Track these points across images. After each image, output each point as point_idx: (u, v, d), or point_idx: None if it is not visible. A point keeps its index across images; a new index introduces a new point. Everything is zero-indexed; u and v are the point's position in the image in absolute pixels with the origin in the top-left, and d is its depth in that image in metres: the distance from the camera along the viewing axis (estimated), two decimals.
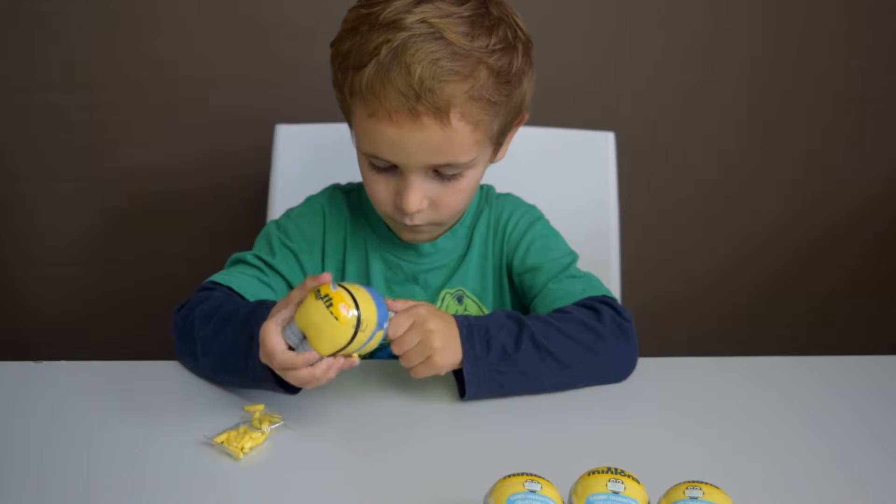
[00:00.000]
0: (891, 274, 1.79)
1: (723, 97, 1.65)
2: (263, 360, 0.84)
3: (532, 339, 0.92)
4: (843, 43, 1.64)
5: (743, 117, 1.67)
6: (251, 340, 0.87)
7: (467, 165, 0.96)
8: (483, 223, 1.09)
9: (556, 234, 1.11)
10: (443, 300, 1.08)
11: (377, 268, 1.08)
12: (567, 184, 1.32)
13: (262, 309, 0.89)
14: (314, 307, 0.81)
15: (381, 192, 0.98)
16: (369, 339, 0.83)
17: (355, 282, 0.87)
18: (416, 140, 0.91)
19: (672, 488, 0.68)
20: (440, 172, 0.95)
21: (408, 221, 0.98)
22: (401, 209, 0.96)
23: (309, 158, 1.32)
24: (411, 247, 1.07)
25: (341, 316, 0.81)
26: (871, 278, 1.79)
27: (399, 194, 0.96)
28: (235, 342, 0.90)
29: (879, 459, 0.85)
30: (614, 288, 1.30)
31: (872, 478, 0.82)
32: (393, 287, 1.08)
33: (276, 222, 1.09)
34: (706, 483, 0.67)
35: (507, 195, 1.13)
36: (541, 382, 0.93)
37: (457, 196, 0.98)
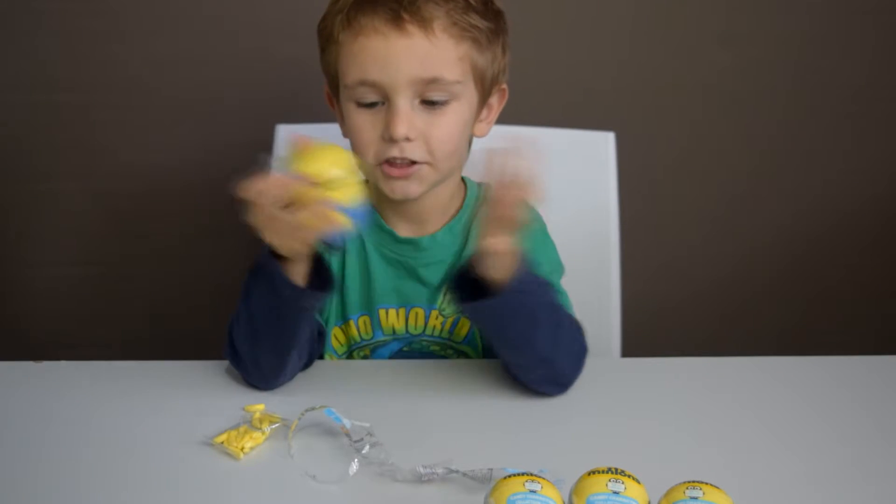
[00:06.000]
0: (891, 274, 1.79)
1: (723, 97, 1.65)
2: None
3: (554, 300, 0.96)
4: (844, 43, 1.64)
5: (743, 117, 1.67)
6: (272, 274, 0.89)
7: (453, 90, 0.97)
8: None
9: (548, 241, 1.11)
10: (445, 295, 1.08)
11: (376, 262, 1.08)
12: (567, 184, 1.31)
13: (269, 260, 0.91)
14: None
15: (367, 130, 0.99)
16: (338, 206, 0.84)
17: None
18: (403, 49, 0.95)
19: (672, 488, 0.68)
20: (426, 101, 0.97)
21: (397, 153, 0.98)
22: (390, 138, 0.97)
23: None
24: (408, 241, 1.07)
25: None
26: (871, 278, 1.79)
27: (387, 126, 0.97)
28: (260, 285, 0.92)
29: (880, 459, 0.85)
30: (614, 288, 1.30)
31: (873, 478, 0.82)
32: (396, 283, 1.09)
33: None
34: (706, 483, 0.67)
35: None
36: (531, 338, 0.92)
37: (445, 130, 0.98)
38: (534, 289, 0.92)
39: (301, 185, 0.84)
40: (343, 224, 0.85)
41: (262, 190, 0.85)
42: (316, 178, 0.84)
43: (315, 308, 0.95)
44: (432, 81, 0.96)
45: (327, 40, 1.01)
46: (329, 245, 0.89)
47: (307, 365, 1.00)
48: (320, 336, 1.02)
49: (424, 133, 0.98)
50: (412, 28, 0.95)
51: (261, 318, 0.93)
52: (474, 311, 0.92)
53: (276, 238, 0.87)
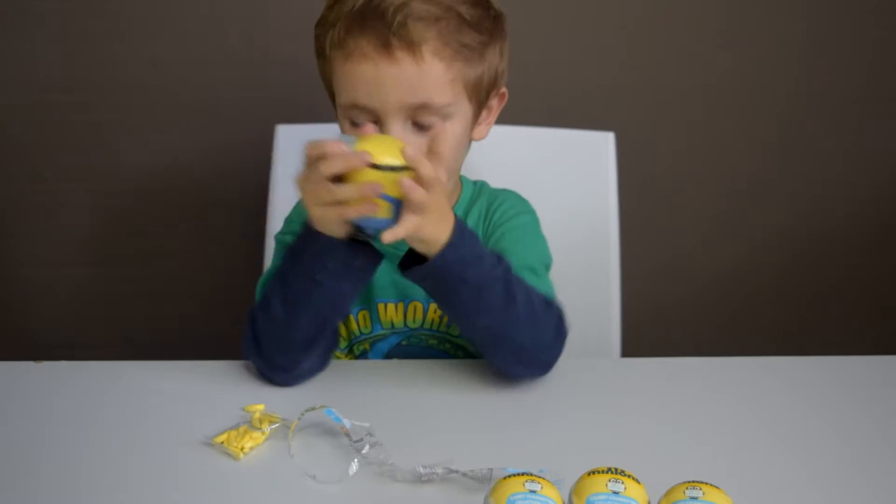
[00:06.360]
0: (891, 274, 1.79)
1: (723, 97, 1.65)
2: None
3: (506, 276, 0.93)
4: (845, 43, 1.64)
5: (743, 117, 1.67)
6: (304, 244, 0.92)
7: (444, 112, 0.97)
8: (475, 212, 1.10)
9: (537, 232, 1.10)
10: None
11: None
12: (567, 184, 1.32)
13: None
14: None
15: None
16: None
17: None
18: (392, 76, 0.94)
19: (672, 488, 0.68)
20: (419, 124, 0.97)
21: None
22: None
23: None
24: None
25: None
26: (871, 278, 1.79)
27: None
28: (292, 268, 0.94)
29: (879, 459, 0.85)
30: (614, 288, 1.30)
31: (873, 478, 0.82)
32: (394, 277, 1.08)
33: (282, 233, 1.10)
34: (706, 483, 0.67)
35: (505, 189, 1.14)
36: (482, 313, 0.92)
37: (437, 151, 0.98)
38: (473, 260, 0.91)
39: (359, 162, 0.84)
40: (384, 213, 0.86)
41: (324, 156, 0.85)
42: (376, 159, 0.84)
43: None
44: (422, 107, 0.95)
45: (320, 52, 1.01)
46: (361, 231, 0.89)
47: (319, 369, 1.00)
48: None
49: None
50: (400, 54, 0.93)
51: (294, 295, 0.94)
52: (415, 276, 0.91)
53: (316, 209, 0.88)
